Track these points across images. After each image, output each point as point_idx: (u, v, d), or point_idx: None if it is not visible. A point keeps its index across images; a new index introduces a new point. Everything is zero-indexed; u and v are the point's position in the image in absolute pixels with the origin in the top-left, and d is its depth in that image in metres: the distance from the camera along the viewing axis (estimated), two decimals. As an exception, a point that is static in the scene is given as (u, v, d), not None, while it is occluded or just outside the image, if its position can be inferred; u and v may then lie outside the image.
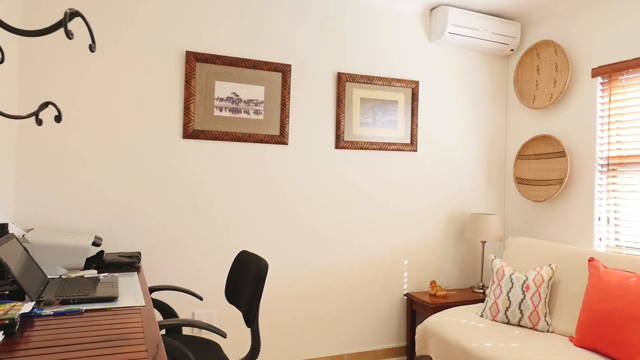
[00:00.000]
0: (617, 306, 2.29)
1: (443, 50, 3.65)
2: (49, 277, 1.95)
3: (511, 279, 2.86)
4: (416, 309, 3.41)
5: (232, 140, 2.96)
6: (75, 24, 2.58)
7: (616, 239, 3.05)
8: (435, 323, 2.84)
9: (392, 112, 3.45)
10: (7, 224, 1.93)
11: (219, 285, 2.97)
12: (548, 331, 2.70)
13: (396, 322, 3.51)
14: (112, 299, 1.66)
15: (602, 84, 3.14)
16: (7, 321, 1.27)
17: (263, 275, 1.95)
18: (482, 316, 2.90)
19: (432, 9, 3.54)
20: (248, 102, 3.00)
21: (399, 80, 3.45)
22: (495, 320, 2.84)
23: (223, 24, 2.95)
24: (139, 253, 2.53)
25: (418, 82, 3.52)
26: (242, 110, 2.99)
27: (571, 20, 3.34)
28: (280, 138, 3.09)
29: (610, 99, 3.08)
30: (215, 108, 2.92)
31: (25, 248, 1.80)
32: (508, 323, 2.80)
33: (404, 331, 3.54)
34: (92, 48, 0.97)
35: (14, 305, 1.40)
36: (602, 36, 3.12)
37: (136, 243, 2.76)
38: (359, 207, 3.37)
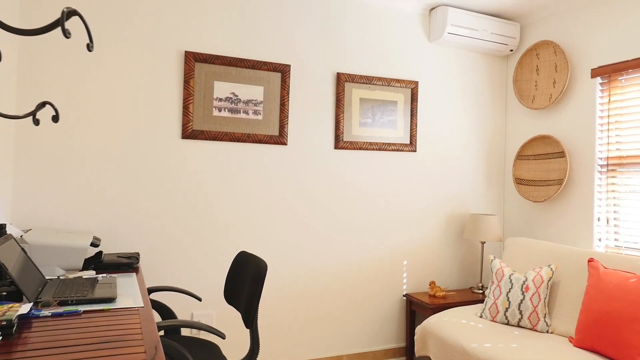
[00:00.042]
0: (617, 307, 2.28)
1: (442, 50, 3.65)
2: (47, 278, 1.94)
3: (510, 280, 2.85)
4: (415, 310, 3.41)
5: (231, 141, 2.96)
6: (74, 24, 2.57)
7: (615, 240, 3.05)
8: (435, 324, 2.83)
9: (392, 113, 3.44)
10: (5, 224, 1.92)
11: (217, 285, 2.96)
12: (547, 332, 2.70)
13: (395, 323, 3.50)
14: (111, 300, 1.66)
15: (601, 84, 3.14)
16: (5, 322, 1.26)
17: (262, 276, 1.94)
18: (481, 317, 2.90)
19: (432, 9, 3.54)
20: (247, 102, 3.00)
21: (398, 81, 3.44)
22: (495, 321, 2.83)
23: (222, 24, 2.95)
24: (138, 254, 2.52)
25: (417, 82, 3.52)
26: (241, 111, 2.98)
27: (570, 20, 3.34)
28: (280, 138, 3.08)
29: (609, 100, 3.08)
30: (214, 108, 2.91)
31: (23, 249, 1.79)
32: (507, 324, 2.80)
33: (403, 332, 3.54)
34: (89, 47, 0.96)
35: (12, 307, 1.39)
36: (601, 36, 3.12)
37: (135, 244, 2.75)
38: (358, 208, 3.36)
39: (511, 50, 3.73)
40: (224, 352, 2.99)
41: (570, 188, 3.31)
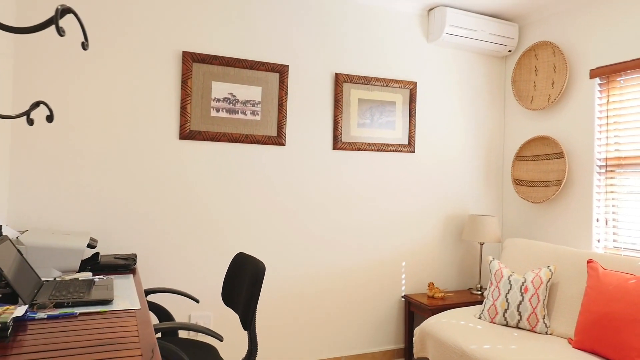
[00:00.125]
0: (617, 308, 2.28)
1: (441, 51, 3.64)
2: (43, 279, 1.92)
3: (509, 281, 2.84)
4: (414, 311, 3.40)
5: (229, 141, 2.94)
6: (71, 24, 2.55)
7: (614, 241, 3.04)
8: (434, 325, 2.82)
9: (390, 113, 3.43)
10: (1, 225, 1.91)
11: (215, 287, 2.95)
12: (547, 333, 2.69)
13: (394, 324, 3.49)
14: (107, 302, 1.64)
15: (600, 85, 3.13)
16: (0, 325, 1.24)
17: (260, 278, 1.93)
18: (480, 318, 2.89)
19: (430, 9, 3.53)
20: (245, 102, 2.98)
21: (396, 81, 3.43)
22: (494, 322, 2.82)
23: (220, 24, 2.93)
24: (135, 255, 2.51)
25: (416, 83, 3.51)
26: (239, 111, 2.97)
27: (569, 21, 3.34)
28: (278, 139, 3.07)
29: (608, 100, 3.08)
30: (212, 109, 2.90)
31: (19, 250, 1.77)
32: (506, 325, 2.79)
33: (401, 333, 3.52)
34: (84, 46, 0.95)
35: (7, 309, 1.37)
36: (600, 37, 3.12)
37: (132, 245, 2.74)
38: (356, 209, 3.35)
39: (510, 51, 3.72)
40: (222, 354, 2.97)
41: (569, 189, 3.30)
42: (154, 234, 2.78)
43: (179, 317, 2.86)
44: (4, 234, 1.96)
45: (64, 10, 0.82)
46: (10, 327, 1.27)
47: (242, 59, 2.96)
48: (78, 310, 1.54)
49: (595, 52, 3.15)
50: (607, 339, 2.27)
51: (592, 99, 3.16)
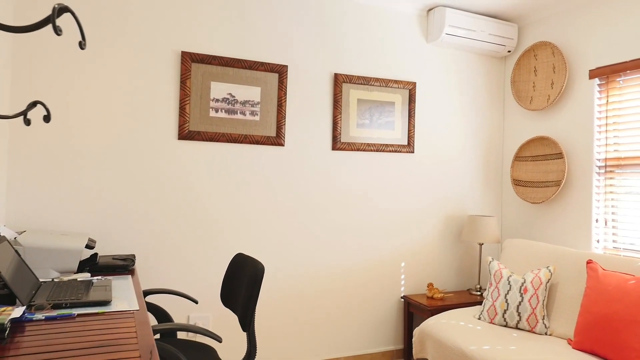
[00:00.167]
0: (616, 309, 2.27)
1: (440, 51, 3.64)
2: (41, 280, 1.92)
3: (509, 281, 2.84)
4: (413, 312, 3.39)
5: (228, 142, 2.93)
6: (70, 24, 2.55)
7: (614, 241, 3.04)
8: (433, 326, 2.82)
9: (389, 114, 3.43)
10: (-1, 226, 1.90)
11: (214, 288, 2.94)
12: (546, 334, 2.68)
13: (393, 325, 3.49)
14: (105, 303, 1.63)
15: (599, 85, 3.13)
16: (-3, 327, 1.24)
17: (259, 279, 1.92)
18: (479, 319, 2.88)
19: (429, 9, 3.53)
20: (244, 103, 2.98)
21: (396, 82, 3.43)
22: (493, 323, 2.82)
23: (219, 24, 2.93)
24: (134, 256, 2.50)
25: (415, 83, 3.50)
26: (238, 111, 2.96)
27: (568, 21, 3.34)
28: (277, 139, 3.06)
29: (607, 101, 3.08)
30: (211, 109, 2.89)
31: (16, 251, 1.76)
32: (506, 326, 2.78)
33: (401, 334, 3.52)
34: (82, 45, 0.94)
35: (4, 310, 1.36)
36: (599, 37, 3.12)
37: (131, 245, 2.73)
38: (355, 209, 3.34)
39: (509, 51, 3.72)
40: (221, 355, 2.96)
41: (568, 189, 3.30)
42: (152, 234, 2.77)
43: (178, 317, 2.85)
44: (1, 234, 1.95)
45: (61, 9, 0.81)
46: (8, 329, 1.27)
47: (241, 59, 2.95)
48: (76, 311, 1.54)
49: (595, 52, 3.15)
50: (607, 340, 2.27)
51: (592, 100, 3.16)
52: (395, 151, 3.44)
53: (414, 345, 2.93)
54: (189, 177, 2.86)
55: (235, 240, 2.99)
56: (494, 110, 3.88)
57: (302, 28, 3.16)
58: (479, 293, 3.54)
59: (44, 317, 1.45)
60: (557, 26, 3.43)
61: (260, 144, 3.02)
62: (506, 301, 2.79)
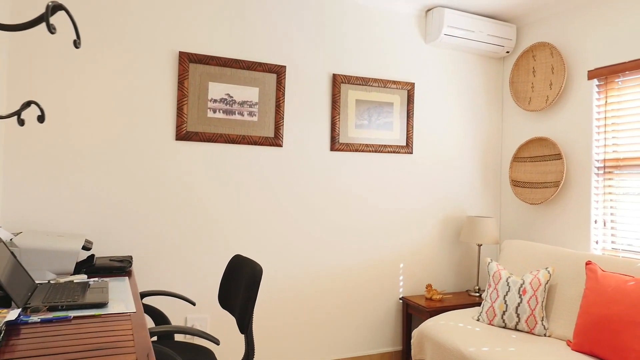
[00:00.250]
0: (616, 310, 2.27)
1: (439, 52, 3.63)
2: (37, 282, 1.90)
3: (508, 283, 2.83)
4: (412, 313, 3.38)
5: (226, 142, 2.92)
6: (67, 23, 2.53)
7: (612, 242, 3.03)
8: (432, 327, 2.81)
9: (388, 114, 3.42)
10: (-6, 227, 1.88)
11: (212, 289, 2.92)
12: (545, 335, 2.68)
13: (392, 326, 3.48)
14: (102, 305, 1.62)
15: (598, 86, 3.13)
16: (-9, 329, 1.22)
17: (257, 280, 1.91)
18: (478, 320, 2.88)
19: (428, 10, 3.52)
20: (242, 103, 2.97)
21: (394, 82, 3.42)
22: (492, 325, 2.81)
23: (217, 24, 2.91)
24: (131, 257, 2.48)
25: (414, 83, 3.50)
26: (236, 112, 2.95)
27: (567, 22, 3.33)
28: (275, 140, 3.05)
29: (606, 101, 3.07)
30: (208, 109, 2.88)
31: (12, 252, 1.75)
32: (505, 327, 2.77)
33: (399, 335, 3.51)
34: (76, 44, 0.93)
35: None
36: (598, 38, 3.12)
37: (128, 247, 2.71)
38: (354, 210, 3.33)
39: (507, 52, 3.72)
40: (219, 357, 2.95)
41: (567, 190, 3.30)
42: (150, 235, 2.76)
43: (176, 319, 2.83)
44: (-3, 236, 1.93)
45: (55, 7, 0.80)
46: (3, 332, 1.25)
47: (239, 60, 2.94)
48: (72, 313, 1.52)
49: (593, 53, 3.14)
50: (606, 341, 2.26)
51: (590, 100, 3.15)
52: (394, 152, 3.43)
53: (412, 347, 2.92)
54: (186, 178, 2.85)
55: (234, 241, 2.98)
56: (492, 111, 3.87)
57: (300, 28, 3.15)
58: (477, 294, 3.53)
59: (39, 320, 1.44)
60: (555, 27, 3.43)
61: (259, 144, 3.01)
62: (505, 302, 2.79)
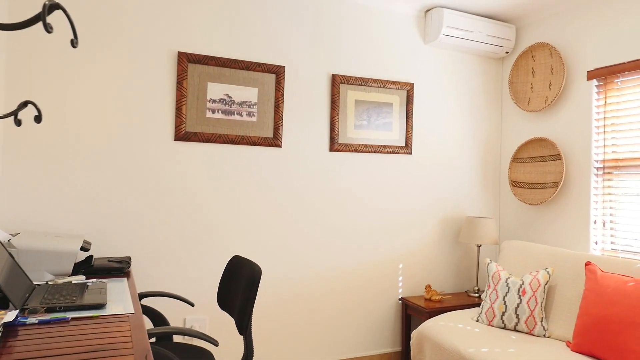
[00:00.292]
0: (616, 311, 2.26)
1: (438, 52, 3.63)
2: (35, 283, 1.89)
3: (507, 283, 2.83)
4: (411, 314, 3.38)
5: (225, 143, 2.91)
6: (64, 23, 2.52)
7: (612, 243, 3.03)
8: (431, 328, 2.80)
9: (387, 115, 3.42)
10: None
11: (211, 290, 2.92)
12: (545, 336, 2.67)
13: (391, 327, 3.47)
14: (100, 306, 1.61)
15: (597, 86, 3.13)
16: (-11, 331, 1.21)
17: (256, 281, 1.90)
18: (478, 321, 2.87)
19: (427, 10, 3.52)
20: (241, 103, 2.96)
21: (393, 82, 3.42)
22: (492, 325, 2.81)
23: (216, 24, 2.91)
24: (129, 258, 2.47)
25: (413, 84, 3.49)
26: (235, 112, 2.95)
27: (566, 22, 3.33)
28: (274, 140, 3.04)
29: (605, 102, 3.07)
30: (207, 110, 2.87)
31: (10, 253, 1.74)
32: (504, 328, 2.77)
33: (398, 336, 3.50)
34: (73, 43, 0.92)
35: (-3, 314, 1.34)
36: (597, 38, 3.11)
37: (126, 247, 2.70)
38: (353, 210, 3.33)
39: (507, 53, 3.71)
40: (218, 358, 2.94)
41: (566, 191, 3.29)
42: (148, 236, 2.75)
43: (174, 320, 2.83)
44: (-5, 236, 1.92)
45: (52, 6, 0.80)
46: (0, 333, 1.24)
47: (238, 60, 2.93)
48: (70, 314, 1.51)
49: (593, 53, 3.14)
50: (606, 342, 2.26)
51: (590, 101, 3.15)
52: (393, 152, 3.43)
53: (411, 348, 2.92)
54: (185, 179, 2.84)
55: (232, 242, 2.97)
56: (491, 112, 3.87)
57: (299, 29, 3.15)
58: (477, 295, 3.53)
59: (37, 321, 1.43)
60: (555, 27, 3.42)
61: (258, 145, 3.00)
62: (504, 303, 2.78)
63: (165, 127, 2.79)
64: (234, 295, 2.08)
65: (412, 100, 3.49)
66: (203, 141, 2.86)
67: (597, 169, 3.11)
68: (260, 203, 3.04)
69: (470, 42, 3.50)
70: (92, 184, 2.62)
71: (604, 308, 2.32)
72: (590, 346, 2.33)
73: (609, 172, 3.05)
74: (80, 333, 1.35)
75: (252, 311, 1.91)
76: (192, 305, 2.26)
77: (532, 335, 2.69)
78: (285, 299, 3.12)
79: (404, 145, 3.47)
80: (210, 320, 2.91)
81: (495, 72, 3.88)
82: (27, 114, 2.47)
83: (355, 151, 3.30)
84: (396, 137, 3.45)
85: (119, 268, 2.25)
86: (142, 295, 2.33)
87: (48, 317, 1.47)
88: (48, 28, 0.82)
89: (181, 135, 2.80)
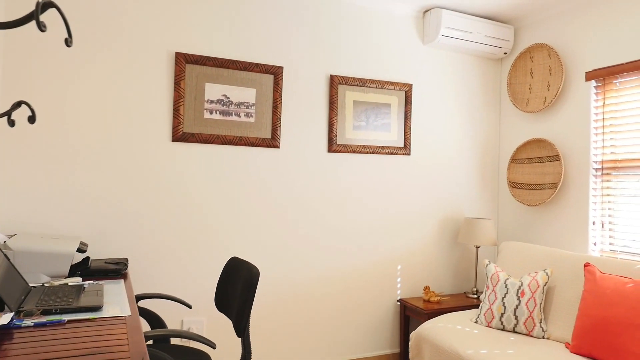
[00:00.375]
0: (615, 312, 2.26)
1: (436, 53, 3.62)
2: (31, 285, 1.87)
3: (506, 285, 2.82)
4: (410, 315, 3.36)
5: (223, 144, 2.90)
6: (62, 23, 2.51)
7: (610, 244, 3.03)
8: (430, 329, 2.79)
9: (385, 115, 3.41)
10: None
11: (208, 291, 2.90)
12: (543, 337, 2.66)
13: (389, 329, 3.46)
14: (97, 308, 1.60)
15: (596, 87, 3.12)
16: (-17, 334, 1.20)
17: (254, 283, 1.89)
18: (476, 322, 2.86)
19: (426, 11, 3.52)
20: (239, 104, 2.95)
21: (392, 83, 3.41)
22: (490, 327, 2.80)
23: (214, 24, 2.90)
24: (126, 259, 2.46)
25: (411, 85, 3.49)
26: (233, 113, 2.93)
27: (565, 23, 3.33)
28: (272, 141, 3.03)
29: (604, 103, 3.07)
30: (205, 110, 2.86)
31: (6, 255, 1.72)
32: (503, 329, 2.76)
33: (397, 337, 3.49)
34: (68, 42, 0.91)
35: (-8, 317, 1.33)
36: (596, 39, 3.11)
37: (123, 249, 2.69)
38: (351, 212, 3.32)
39: (505, 53, 3.71)
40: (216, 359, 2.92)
41: (565, 192, 3.29)
42: (145, 238, 2.74)
43: (171, 322, 2.81)
44: (-10, 238, 1.91)
45: (45, 4, 0.78)
46: (-5, 336, 1.23)
47: (236, 60, 2.92)
48: (66, 317, 1.50)
49: (591, 54, 3.14)
50: (605, 344, 2.25)
51: (588, 102, 3.15)
52: (392, 153, 3.42)
53: (410, 349, 2.90)
54: (183, 180, 2.83)
55: (230, 243, 2.96)
56: (490, 112, 3.86)
57: (297, 29, 3.14)
58: (475, 296, 3.52)
59: (32, 324, 1.41)
60: (553, 28, 3.42)
61: (256, 145, 2.99)
62: (503, 304, 2.77)
63: (163, 127, 2.77)
64: (231, 297, 2.07)
65: (411, 101, 3.48)
66: (201, 142, 2.84)
67: (596, 169, 3.11)
68: (259, 204, 3.03)
69: (469, 42, 3.49)
70: (89, 184, 2.61)
71: (603, 309, 2.31)
72: (590, 347, 2.32)
73: (607, 173, 3.05)
74: (77, 336, 1.34)
75: (249, 313, 1.89)
76: (190, 307, 2.24)
77: (531, 336, 2.68)
78: (284, 299, 3.11)
79: (403, 146, 3.47)
80: (208, 322, 2.89)
81: (493, 73, 3.87)
82: (23, 115, 2.46)
83: (354, 152, 3.29)
84: (394, 138, 3.44)
85: (116, 270, 2.24)
86: (139, 297, 2.32)
87: (44, 319, 1.45)
88: (41, 27, 0.81)
89: (179, 136, 2.79)
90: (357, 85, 3.30)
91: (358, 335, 3.34)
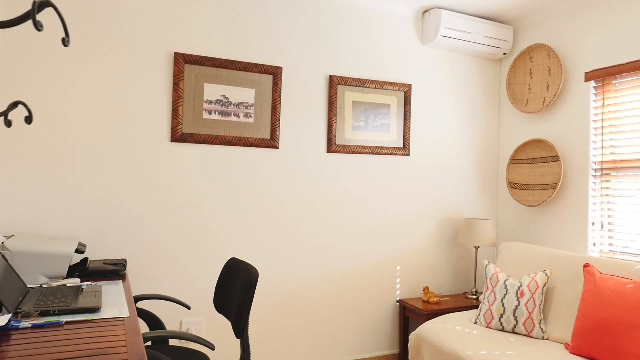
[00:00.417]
0: (615, 313, 2.25)
1: (436, 53, 3.62)
2: (29, 286, 1.87)
3: (505, 285, 2.82)
4: (409, 316, 3.36)
5: (222, 144, 2.90)
6: (60, 23, 2.50)
7: (610, 244, 3.02)
8: (429, 330, 2.79)
9: (385, 116, 3.40)
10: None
11: (207, 292, 2.89)
12: (543, 338, 2.66)
13: (388, 329, 3.45)
14: (95, 309, 1.59)
15: (595, 87, 3.12)
16: (-20, 336, 1.19)
17: (253, 284, 1.88)
18: (476, 323, 2.86)
19: (425, 11, 3.51)
20: (238, 105, 2.94)
21: (391, 84, 3.41)
22: (490, 327, 2.79)
23: (213, 25, 2.89)
24: (125, 260, 2.45)
25: (410, 85, 3.48)
26: (232, 113, 2.93)
27: (564, 23, 3.33)
28: (271, 142, 3.03)
29: (603, 103, 3.07)
30: (204, 111, 2.85)
31: (3, 256, 1.72)
32: (502, 330, 2.76)
33: (396, 338, 3.49)
34: (64, 41, 0.90)
35: (-11, 318, 1.32)
36: (595, 40, 3.11)
37: (122, 250, 2.68)
38: (350, 212, 3.31)
39: (504, 54, 3.71)
40: (214, 360, 2.92)
41: (564, 192, 3.29)
42: (144, 238, 2.73)
43: (170, 323, 2.80)
44: (-12, 239, 1.90)
45: (42, 4, 0.78)
46: (-8, 338, 1.22)
47: (235, 61, 2.92)
48: (64, 318, 1.49)
49: (590, 54, 3.14)
50: (605, 344, 2.25)
51: (588, 102, 3.15)
52: (391, 154, 3.41)
53: (409, 350, 2.90)
54: (181, 180, 2.82)
55: (229, 244, 2.95)
56: (489, 113, 3.86)
57: (296, 29, 3.13)
58: (475, 297, 3.51)
59: (30, 325, 1.41)
60: (552, 28, 3.42)
61: (255, 146, 2.98)
62: (502, 305, 2.77)
63: (162, 128, 2.76)
64: (230, 298, 2.06)
65: (410, 101, 3.48)
66: (199, 142, 2.84)
67: (595, 170, 3.11)
68: (258, 204, 3.02)
69: (468, 43, 3.49)
70: (87, 185, 2.60)
71: (603, 310, 2.31)
72: (589, 348, 2.32)
73: (606, 174, 3.04)
74: (75, 337, 1.33)
75: (248, 314, 1.89)
76: (189, 308, 2.23)
77: (531, 337, 2.68)
78: (282, 301, 3.10)
79: (402, 146, 3.46)
80: (207, 323, 2.89)
81: (492, 73, 3.87)
82: (21, 115, 2.45)
83: (353, 152, 3.28)
84: (394, 139, 3.44)
85: (115, 270, 2.23)
86: (137, 298, 2.31)
87: (42, 321, 1.45)
88: (38, 26, 0.80)
89: (177, 136, 2.78)
90: (356, 86, 3.29)
91: (357, 335, 3.34)
